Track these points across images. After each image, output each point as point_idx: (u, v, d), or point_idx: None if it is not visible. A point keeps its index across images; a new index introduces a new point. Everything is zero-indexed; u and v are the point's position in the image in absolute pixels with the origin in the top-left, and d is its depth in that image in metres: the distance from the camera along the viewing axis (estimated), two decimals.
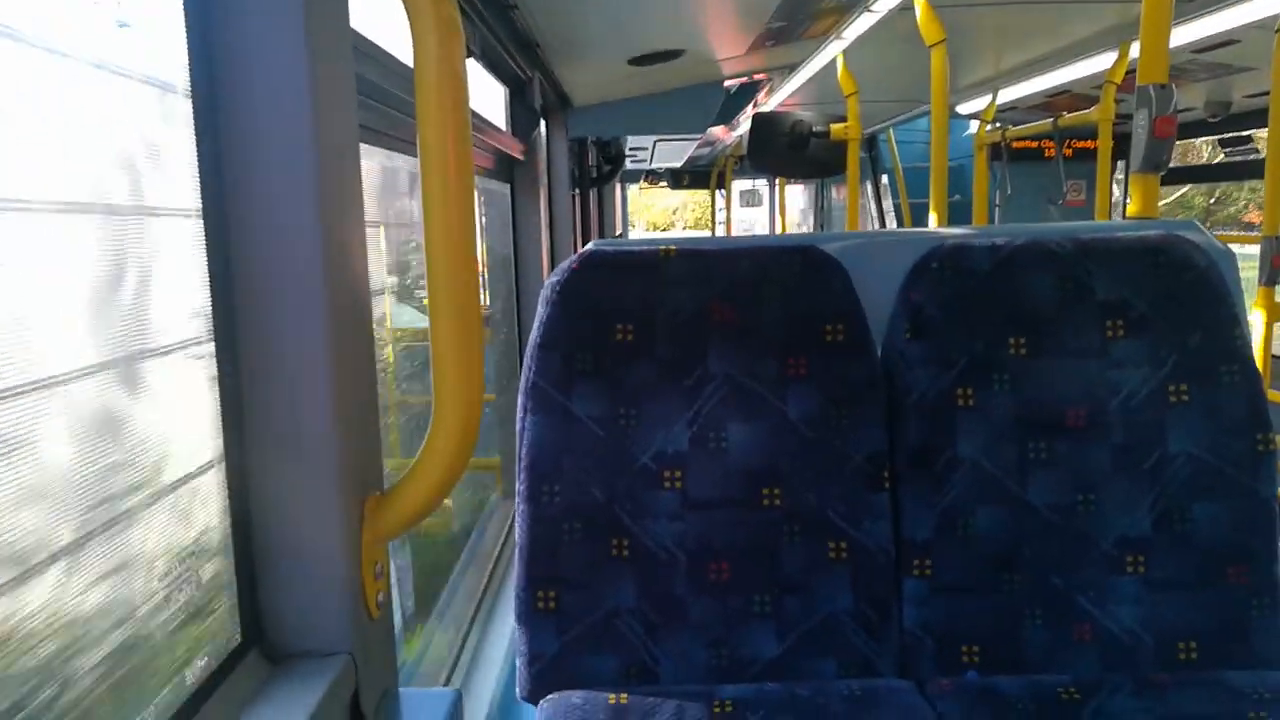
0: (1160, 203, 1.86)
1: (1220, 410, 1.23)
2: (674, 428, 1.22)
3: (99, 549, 0.66)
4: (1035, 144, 5.55)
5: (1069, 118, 4.07)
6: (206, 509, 0.79)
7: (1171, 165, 1.82)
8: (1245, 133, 4.54)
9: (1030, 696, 1.14)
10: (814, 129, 4.10)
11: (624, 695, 1.15)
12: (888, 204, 6.89)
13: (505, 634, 1.88)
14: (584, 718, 1.11)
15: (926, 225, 3.17)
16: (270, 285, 0.77)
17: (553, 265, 3.02)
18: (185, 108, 0.73)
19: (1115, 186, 5.37)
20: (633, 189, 12.46)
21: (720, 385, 1.22)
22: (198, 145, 0.74)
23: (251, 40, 0.74)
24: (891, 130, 6.12)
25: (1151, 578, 1.22)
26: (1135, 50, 2.19)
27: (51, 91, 0.63)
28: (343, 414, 0.79)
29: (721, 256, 1.25)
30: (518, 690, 1.23)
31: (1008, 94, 4.31)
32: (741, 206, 11.18)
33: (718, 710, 1.12)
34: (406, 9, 0.77)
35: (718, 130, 5.88)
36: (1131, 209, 1.89)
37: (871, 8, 2.80)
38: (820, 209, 10.23)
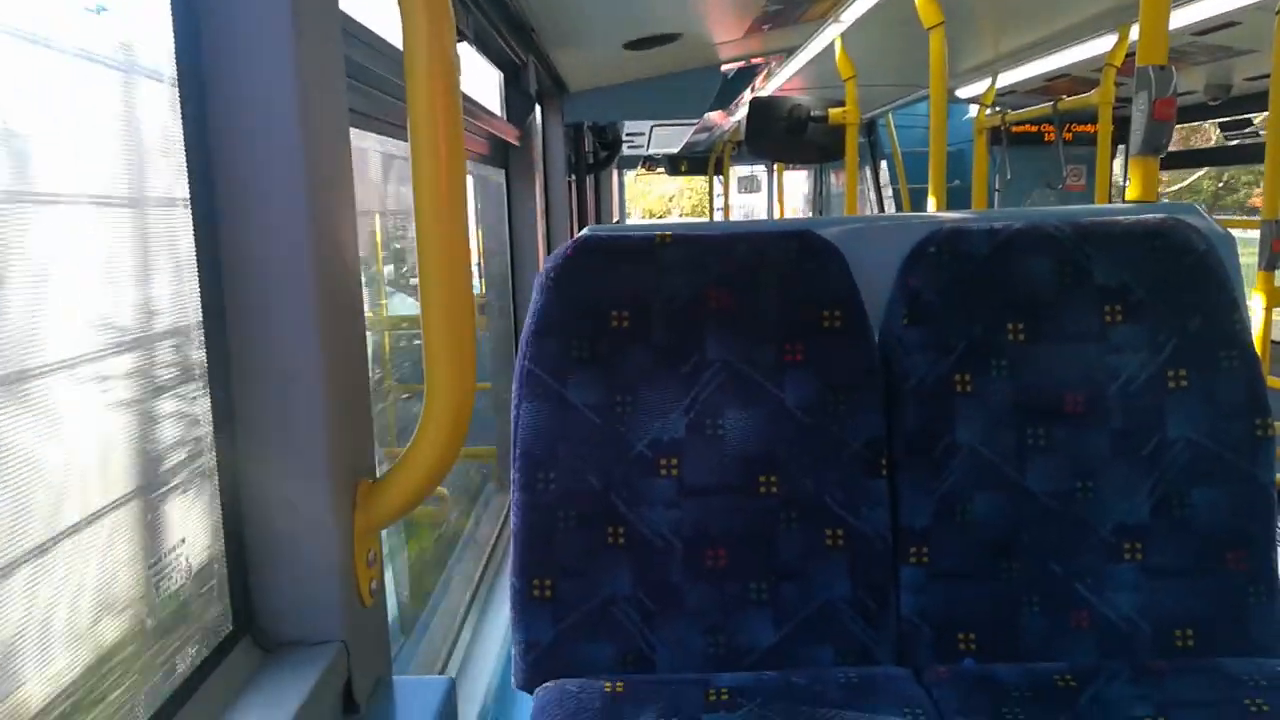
0: (1172, 188, 1.86)
1: (1219, 395, 1.22)
2: (670, 415, 1.21)
3: (88, 537, 0.66)
4: (1035, 128, 5.53)
5: (1069, 101, 4.05)
6: (197, 496, 0.78)
7: (1180, 150, 1.82)
8: (1245, 116, 4.52)
9: (1027, 684, 1.14)
10: (812, 114, 4.08)
11: (620, 683, 1.15)
12: (887, 190, 6.87)
13: (501, 623, 1.88)
14: (580, 705, 1.11)
15: (926, 210, 3.16)
16: (260, 270, 0.76)
17: (549, 252, 3.00)
18: (170, 93, 0.72)
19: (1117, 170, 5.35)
20: (629, 175, 12.39)
21: (717, 372, 1.22)
22: (184, 130, 0.73)
23: (238, 21, 0.72)
24: (890, 115, 6.09)
25: (1149, 564, 1.21)
26: (1135, 33, 2.18)
27: (27, 78, 0.62)
28: (334, 400, 0.78)
29: (718, 242, 1.24)
30: (513, 678, 1.23)
31: (1007, 78, 4.29)
32: (740, 192, 11.14)
33: (714, 698, 1.11)
34: None
35: (715, 115, 5.85)
36: (1131, 192, 1.87)
37: None
38: (819, 194, 10.20)
